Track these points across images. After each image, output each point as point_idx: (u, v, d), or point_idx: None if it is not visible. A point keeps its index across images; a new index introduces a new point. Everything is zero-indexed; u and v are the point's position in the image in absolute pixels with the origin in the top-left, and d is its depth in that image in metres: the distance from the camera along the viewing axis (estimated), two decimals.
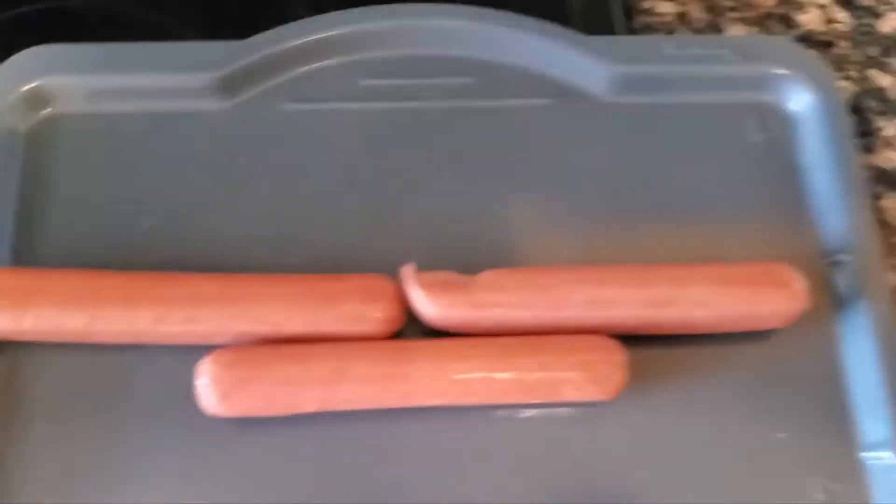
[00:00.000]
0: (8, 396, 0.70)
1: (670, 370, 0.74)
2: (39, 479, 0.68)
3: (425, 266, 0.74)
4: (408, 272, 0.72)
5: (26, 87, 0.78)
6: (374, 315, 0.69)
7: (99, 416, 0.70)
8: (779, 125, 0.83)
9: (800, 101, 0.83)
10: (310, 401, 0.67)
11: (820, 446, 0.72)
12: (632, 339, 0.72)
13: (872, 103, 0.90)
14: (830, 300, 0.77)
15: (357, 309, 0.69)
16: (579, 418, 0.72)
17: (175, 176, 0.78)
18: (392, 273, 0.74)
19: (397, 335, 0.72)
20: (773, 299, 0.71)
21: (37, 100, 0.79)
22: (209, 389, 0.66)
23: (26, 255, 0.74)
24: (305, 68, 0.82)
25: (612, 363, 0.69)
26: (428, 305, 0.70)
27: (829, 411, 0.73)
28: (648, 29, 0.96)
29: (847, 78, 0.91)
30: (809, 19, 0.97)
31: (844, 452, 0.72)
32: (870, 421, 0.72)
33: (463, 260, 0.75)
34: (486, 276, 0.71)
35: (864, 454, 0.71)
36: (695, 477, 0.71)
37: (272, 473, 0.69)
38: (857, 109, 0.89)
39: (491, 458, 0.70)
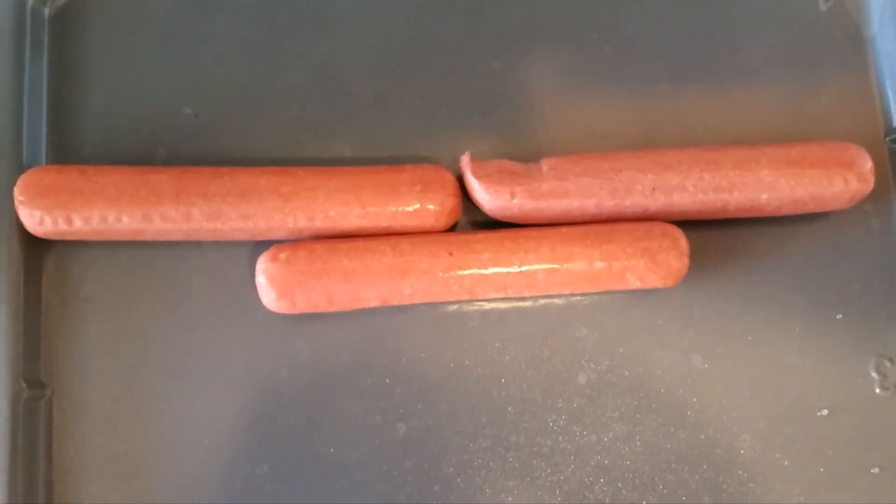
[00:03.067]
0: (60, 296, 0.69)
1: (730, 253, 0.73)
2: (98, 380, 0.69)
3: (481, 149, 0.72)
4: (465, 161, 0.69)
5: None
6: (434, 207, 0.67)
7: (155, 315, 0.70)
8: None
9: None
10: (371, 296, 0.66)
11: (875, 326, 0.72)
12: (693, 221, 0.71)
13: None
14: (893, 179, 0.75)
15: (416, 201, 0.67)
16: (638, 304, 0.72)
17: (213, 59, 0.74)
18: (447, 159, 0.72)
19: (456, 225, 0.71)
20: (840, 181, 0.69)
21: None
22: (268, 287, 0.65)
23: (65, 150, 0.71)
24: None
25: (675, 251, 0.67)
26: (488, 196, 0.68)
27: (887, 291, 0.73)
28: None
29: None
30: None
31: None
32: None
33: (518, 143, 0.74)
34: (546, 164, 0.69)
35: None
36: (751, 362, 0.71)
37: (334, 364, 0.70)
38: None
39: (548, 346, 0.71)
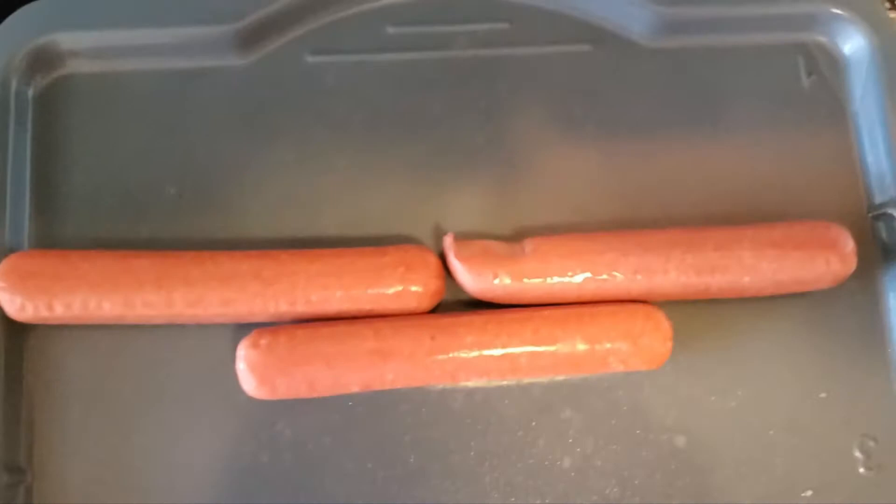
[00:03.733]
0: (40, 379, 0.69)
1: (714, 331, 0.73)
2: (80, 464, 0.68)
3: (464, 228, 0.72)
4: (448, 243, 0.69)
5: (32, 46, 0.73)
6: (416, 290, 0.67)
7: (137, 398, 0.69)
8: (829, 68, 0.79)
9: (851, 42, 0.78)
10: (353, 382, 0.66)
11: (860, 405, 0.72)
12: (675, 302, 0.71)
13: None
14: (876, 255, 0.75)
15: (398, 284, 0.67)
16: (624, 385, 0.72)
17: (197, 138, 0.74)
18: (430, 236, 0.73)
19: (440, 306, 0.71)
20: (823, 263, 0.69)
21: (44, 59, 0.74)
22: (248, 374, 0.65)
23: (48, 231, 0.71)
24: (328, 18, 0.76)
25: (658, 335, 0.67)
26: (470, 278, 0.68)
27: (872, 369, 0.73)
28: None
29: None
30: None
31: (884, 411, 0.72)
32: None
33: (502, 220, 0.74)
34: (529, 245, 0.69)
35: None
36: (735, 441, 0.71)
37: (315, 448, 0.69)
38: None
39: (532, 428, 0.71)
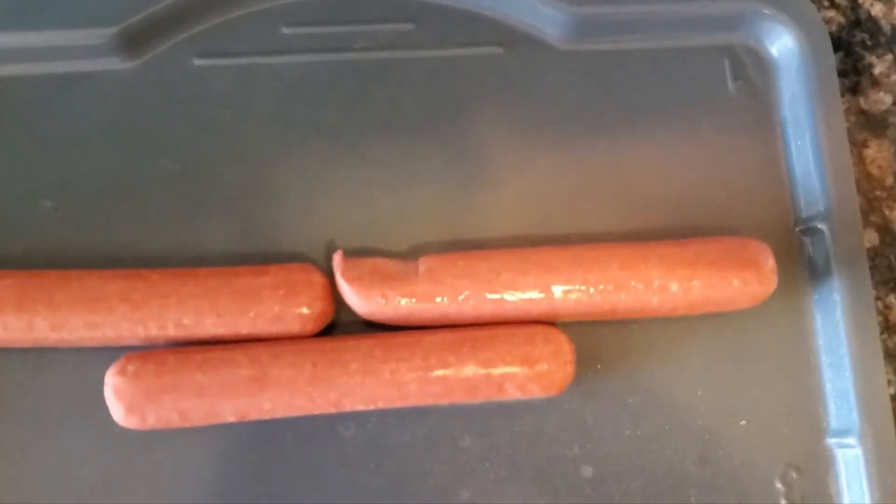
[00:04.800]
0: None
1: (625, 353, 0.68)
2: None
3: (359, 244, 0.68)
4: (336, 261, 0.65)
5: None
6: (299, 312, 0.63)
7: (3, 426, 0.64)
8: (756, 71, 0.74)
9: (780, 43, 0.73)
10: (227, 411, 0.61)
11: (783, 434, 0.68)
12: (581, 322, 0.67)
13: (862, 36, 0.80)
14: (803, 272, 0.71)
15: (279, 306, 0.63)
16: (527, 410, 0.67)
17: (76, 148, 0.69)
18: (323, 254, 0.68)
19: (329, 328, 0.66)
20: (739, 283, 0.64)
21: None
22: (116, 402, 0.60)
23: None
24: (218, 18, 0.72)
25: (559, 359, 0.63)
26: (358, 300, 0.63)
27: (795, 394, 0.68)
28: None
29: (834, 6, 0.81)
30: None
31: (808, 440, 0.68)
32: (836, 405, 0.68)
33: (399, 235, 0.69)
34: (423, 264, 0.65)
35: (829, 441, 0.67)
36: (647, 472, 0.66)
37: (190, 480, 0.65)
38: (844, 44, 0.79)
39: (429, 457, 0.66)
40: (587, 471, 0.66)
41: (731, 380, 0.68)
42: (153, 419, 0.61)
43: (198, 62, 0.71)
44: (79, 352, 0.65)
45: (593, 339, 0.68)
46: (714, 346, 0.69)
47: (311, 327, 0.64)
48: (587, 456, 0.66)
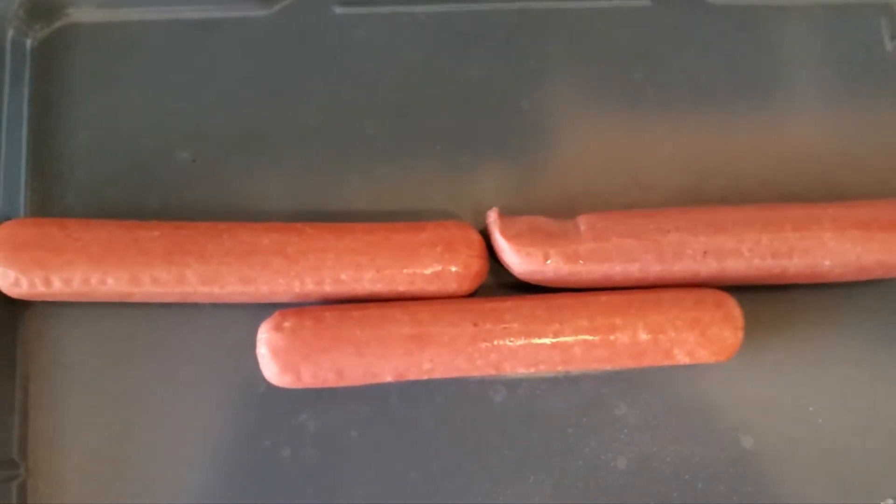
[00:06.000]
0: (37, 363, 0.63)
1: (787, 320, 0.66)
2: (78, 458, 0.62)
3: (507, 203, 0.65)
4: (492, 218, 0.62)
5: None
6: (457, 270, 0.60)
7: (144, 385, 0.63)
8: None
9: None
10: (386, 371, 0.59)
11: None
12: (744, 287, 0.64)
13: None
14: None
15: (437, 264, 0.60)
16: (685, 379, 0.65)
17: (212, 97, 0.67)
18: (470, 212, 0.66)
19: (482, 289, 0.64)
20: None
21: (44, 6, 0.67)
22: (270, 360, 0.58)
23: (46, 198, 0.65)
24: None
25: (729, 324, 0.60)
26: (518, 259, 0.61)
27: None
28: None
29: None
30: None
31: None
32: None
33: (550, 194, 0.67)
34: (584, 223, 0.62)
35: None
36: (809, 443, 0.64)
37: (335, 443, 0.63)
38: None
39: (582, 425, 0.64)
40: (747, 441, 0.64)
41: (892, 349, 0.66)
42: (309, 378, 0.58)
43: (339, 10, 0.69)
44: (220, 310, 0.63)
45: (756, 306, 0.65)
46: (881, 315, 0.66)
47: (467, 286, 0.61)
48: (747, 426, 0.64)
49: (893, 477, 0.64)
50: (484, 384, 0.64)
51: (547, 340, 0.59)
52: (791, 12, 0.71)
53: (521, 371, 0.60)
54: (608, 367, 0.61)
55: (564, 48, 0.69)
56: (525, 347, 0.59)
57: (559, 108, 0.69)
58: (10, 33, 0.66)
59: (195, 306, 0.63)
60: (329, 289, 0.60)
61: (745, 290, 0.64)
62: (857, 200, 0.64)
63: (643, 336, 0.60)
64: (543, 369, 0.60)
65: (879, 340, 0.66)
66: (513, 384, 0.64)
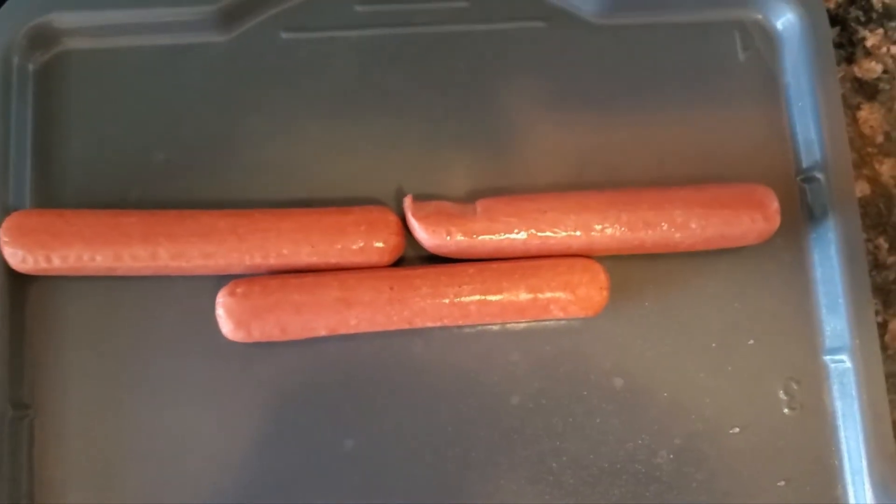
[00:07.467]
0: (41, 325, 0.77)
1: (651, 283, 0.80)
2: (77, 400, 0.76)
3: (423, 190, 0.79)
4: (407, 203, 0.77)
5: (31, 25, 0.80)
6: (377, 246, 0.75)
7: (128, 342, 0.77)
8: (763, 43, 0.85)
9: (784, 18, 0.85)
10: (320, 326, 0.73)
11: (784, 351, 0.79)
12: (615, 256, 0.78)
13: (857, 13, 0.91)
14: (804, 215, 0.82)
15: (361, 241, 0.75)
16: (566, 331, 0.79)
17: (182, 109, 0.81)
18: (393, 199, 0.80)
19: (399, 261, 0.78)
20: (748, 220, 0.76)
21: (43, 37, 0.81)
22: (226, 319, 0.73)
23: (48, 193, 0.79)
24: None
25: (595, 285, 0.75)
26: (426, 235, 0.75)
27: (796, 319, 0.80)
28: None
29: None
30: None
31: (807, 356, 0.79)
32: (831, 328, 0.79)
33: (458, 183, 0.81)
34: (480, 206, 0.76)
35: (825, 358, 0.79)
36: (668, 384, 0.78)
37: (283, 388, 0.77)
38: (841, 20, 0.91)
39: (483, 370, 0.78)
40: (618, 382, 0.78)
41: (740, 306, 0.80)
42: (257, 333, 0.73)
43: (284, 35, 0.83)
44: (188, 281, 0.77)
45: (624, 272, 0.79)
46: (727, 278, 0.80)
47: (386, 259, 0.76)
48: (617, 370, 0.78)
49: (739, 411, 0.78)
50: (404, 337, 0.78)
51: (448, 300, 0.74)
52: (660, 29, 0.85)
53: (429, 325, 0.75)
54: (498, 321, 0.76)
55: (472, 64, 0.83)
56: (432, 306, 0.74)
57: (467, 114, 0.82)
58: (16, 60, 0.79)
59: (167, 278, 0.77)
60: (273, 262, 0.74)
61: (617, 259, 0.79)
62: (706, 184, 0.79)
63: (525, 296, 0.74)
64: (447, 323, 0.75)
65: (725, 297, 0.80)
66: (428, 338, 0.78)
